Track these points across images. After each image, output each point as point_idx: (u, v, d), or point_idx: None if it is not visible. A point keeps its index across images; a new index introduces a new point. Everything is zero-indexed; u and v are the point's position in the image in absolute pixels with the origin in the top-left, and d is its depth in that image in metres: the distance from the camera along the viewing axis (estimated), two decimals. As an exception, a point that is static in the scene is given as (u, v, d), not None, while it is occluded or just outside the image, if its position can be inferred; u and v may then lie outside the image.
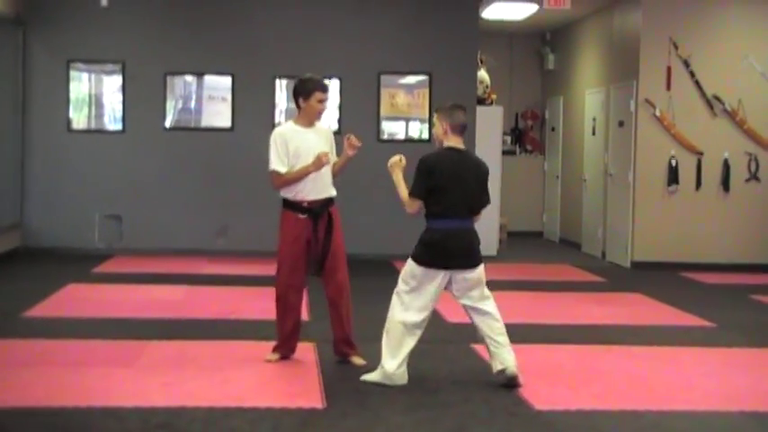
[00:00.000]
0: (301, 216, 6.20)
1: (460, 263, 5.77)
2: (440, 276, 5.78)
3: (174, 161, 11.92)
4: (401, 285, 5.90)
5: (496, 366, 5.87)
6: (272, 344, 6.46)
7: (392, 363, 5.82)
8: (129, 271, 10.50)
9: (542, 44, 15.70)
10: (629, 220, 12.01)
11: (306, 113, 6.25)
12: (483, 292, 5.93)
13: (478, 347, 6.94)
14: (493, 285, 10.14)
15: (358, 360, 6.34)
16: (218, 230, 11.93)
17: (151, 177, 11.88)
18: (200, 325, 7.61)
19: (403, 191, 5.89)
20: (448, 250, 5.72)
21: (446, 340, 7.31)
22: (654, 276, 11.16)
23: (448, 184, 5.71)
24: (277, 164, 6.16)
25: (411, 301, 5.83)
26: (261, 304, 8.65)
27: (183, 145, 11.93)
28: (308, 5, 12.03)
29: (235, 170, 11.93)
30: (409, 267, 5.86)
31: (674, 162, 11.82)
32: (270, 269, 10.70)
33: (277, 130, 6.28)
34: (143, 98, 11.85)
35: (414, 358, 6.62)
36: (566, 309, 8.95)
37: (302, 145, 6.15)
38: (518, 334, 7.58)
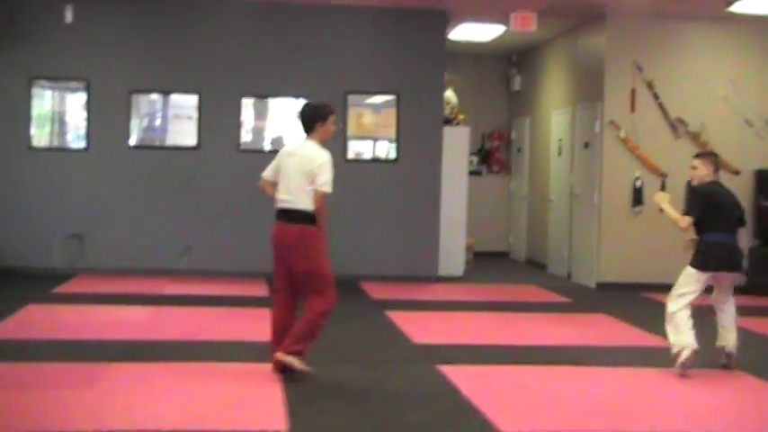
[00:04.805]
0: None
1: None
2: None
3: (138, 179, 11.81)
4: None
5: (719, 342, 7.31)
6: (234, 365, 6.36)
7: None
8: (91, 291, 10.36)
9: (508, 65, 15.79)
10: (594, 240, 12.06)
11: (322, 135, 6.60)
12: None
13: (444, 368, 6.91)
14: (458, 306, 10.23)
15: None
16: (182, 250, 11.82)
17: (114, 196, 11.75)
18: (163, 346, 7.52)
19: (675, 214, 7.26)
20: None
21: (412, 361, 7.28)
22: (619, 297, 11.20)
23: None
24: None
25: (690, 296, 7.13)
26: (224, 325, 8.58)
27: (148, 163, 11.82)
28: (274, 25, 12.00)
29: (200, 189, 11.84)
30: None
31: (638, 183, 11.91)
32: (234, 289, 10.68)
33: (328, 153, 6.51)
34: (107, 116, 11.74)
35: (379, 380, 6.59)
36: (531, 330, 8.95)
37: None
38: (483, 355, 7.59)
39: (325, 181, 6.41)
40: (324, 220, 6.49)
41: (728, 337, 7.33)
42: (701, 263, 7.14)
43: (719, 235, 7.13)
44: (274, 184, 6.60)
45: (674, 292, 7.24)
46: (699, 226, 7.16)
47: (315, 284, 6.42)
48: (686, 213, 7.22)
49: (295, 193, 6.42)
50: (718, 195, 7.26)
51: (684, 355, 7.01)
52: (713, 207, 7.15)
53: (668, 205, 7.42)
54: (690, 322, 7.09)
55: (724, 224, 7.17)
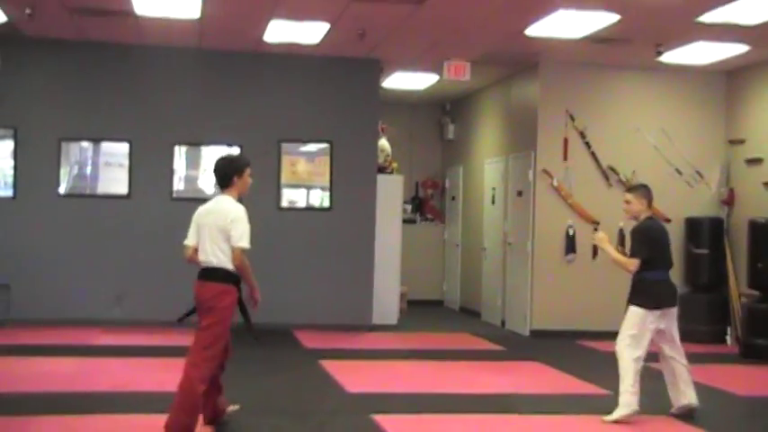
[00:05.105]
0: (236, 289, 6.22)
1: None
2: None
3: (67, 228, 11.58)
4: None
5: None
6: (166, 417, 6.17)
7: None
8: (18, 343, 10.05)
9: (442, 114, 15.93)
10: (527, 288, 12.12)
11: (241, 189, 6.33)
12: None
13: (378, 418, 6.83)
14: (392, 355, 10.17)
15: None
16: (114, 300, 11.57)
17: (43, 245, 11.48)
18: (91, 398, 7.31)
19: (619, 256, 7.22)
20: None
21: (345, 410, 7.19)
22: (552, 345, 11.23)
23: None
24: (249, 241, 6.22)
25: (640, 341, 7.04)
26: (156, 375, 8.39)
27: (78, 212, 11.60)
28: (207, 72, 11.95)
29: (131, 238, 11.65)
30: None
31: (571, 231, 12.02)
32: (168, 339, 10.46)
33: (242, 207, 6.24)
34: (36, 164, 11.52)
35: (312, 430, 6.50)
36: (465, 378, 8.91)
37: None
38: (417, 404, 7.52)
39: (240, 236, 6.13)
40: (250, 275, 6.28)
41: (689, 393, 7.25)
42: (650, 302, 7.01)
43: (659, 272, 7.10)
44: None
45: (624, 334, 7.07)
46: (641, 265, 7.06)
47: (206, 339, 6.14)
48: (633, 255, 7.10)
49: (211, 252, 6.18)
50: (657, 231, 7.21)
51: (621, 413, 6.97)
52: (655, 245, 7.10)
53: (610, 247, 7.30)
54: (637, 383, 7.00)
55: (663, 261, 7.15)
